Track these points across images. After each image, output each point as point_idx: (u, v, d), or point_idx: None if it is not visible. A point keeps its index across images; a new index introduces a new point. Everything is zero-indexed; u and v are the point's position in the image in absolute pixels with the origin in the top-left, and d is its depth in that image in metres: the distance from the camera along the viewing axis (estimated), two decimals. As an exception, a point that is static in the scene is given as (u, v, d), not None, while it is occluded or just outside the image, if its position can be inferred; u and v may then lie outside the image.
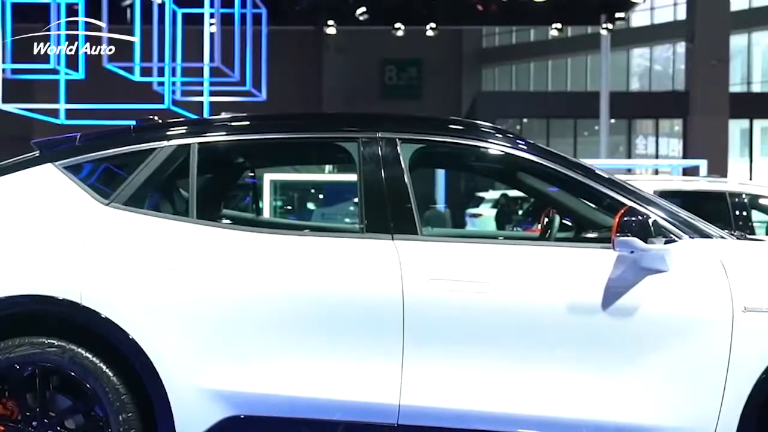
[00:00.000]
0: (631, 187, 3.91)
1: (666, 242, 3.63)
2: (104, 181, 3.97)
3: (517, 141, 4.05)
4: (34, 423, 3.73)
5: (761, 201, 9.52)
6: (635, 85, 40.22)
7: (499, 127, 4.23)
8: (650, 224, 3.57)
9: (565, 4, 25.14)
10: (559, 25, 26.35)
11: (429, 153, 4.22)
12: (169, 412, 3.68)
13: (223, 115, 4.81)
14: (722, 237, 3.83)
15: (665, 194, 9.11)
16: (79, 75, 14.17)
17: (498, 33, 42.42)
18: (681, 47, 34.74)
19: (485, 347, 3.63)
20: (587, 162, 4.20)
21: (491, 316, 3.62)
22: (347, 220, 14.69)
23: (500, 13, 25.82)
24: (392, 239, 3.74)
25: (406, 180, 3.85)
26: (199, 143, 4.00)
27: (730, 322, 3.56)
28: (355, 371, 3.65)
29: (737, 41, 35.01)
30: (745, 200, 8.82)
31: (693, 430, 3.57)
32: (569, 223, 4.55)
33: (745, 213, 8.77)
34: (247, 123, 4.30)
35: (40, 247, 3.77)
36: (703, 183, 10.09)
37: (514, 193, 17.05)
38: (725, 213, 8.71)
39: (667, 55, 38.86)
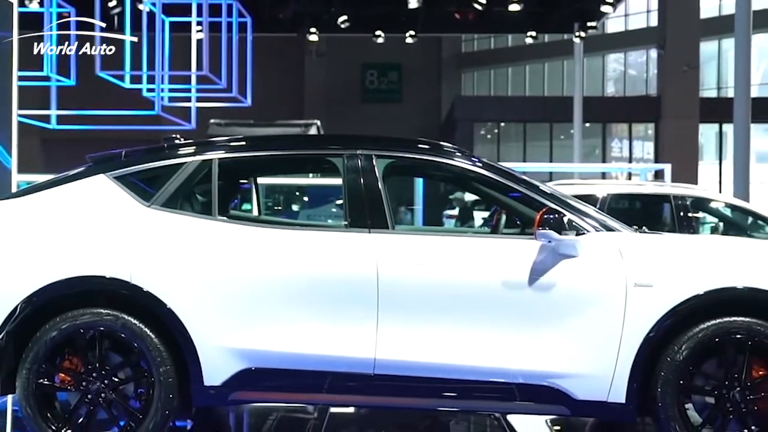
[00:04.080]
0: (558, 195, 5.01)
1: (577, 234, 4.74)
2: (145, 188, 5.01)
3: (473, 159, 5.14)
4: (94, 374, 4.79)
5: (703, 204, 10.73)
6: (611, 90, 40.61)
7: (458, 147, 5.29)
8: (564, 220, 4.67)
9: (539, 13, 25.75)
10: (533, 33, 27.11)
11: (400, 166, 5.31)
12: (198, 366, 4.74)
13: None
14: (624, 231, 4.91)
15: (619, 197, 10.40)
16: (70, 81, 14.63)
17: (477, 38, 42.69)
18: (655, 53, 35.34)
19: (439, 314, 4.70)
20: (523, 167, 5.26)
21: (442, 290, 4.69)
22: (329, 220, 15.60)
23: (477, 22, 26.44)
24: (369, 232, 4.82)
25: (380, 187, 4.92)
26: (219, 158, 5.08)
27: (624, 294, 4.64)
28: (341, 333, 4.71)
29: (710, 47, 35.51)
30: (688, 202, 10.01)
31: (597, 376, 4.65)
32: (517, 221, 5.67)
33: (689, 214, 9.96)
34: (256, 142, 5.43)
35: (97, 239, 4.83)
36: (650, 187, 11.31)
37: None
38: (669, 213, 9.93)
39: (641, 61, 39.42)
